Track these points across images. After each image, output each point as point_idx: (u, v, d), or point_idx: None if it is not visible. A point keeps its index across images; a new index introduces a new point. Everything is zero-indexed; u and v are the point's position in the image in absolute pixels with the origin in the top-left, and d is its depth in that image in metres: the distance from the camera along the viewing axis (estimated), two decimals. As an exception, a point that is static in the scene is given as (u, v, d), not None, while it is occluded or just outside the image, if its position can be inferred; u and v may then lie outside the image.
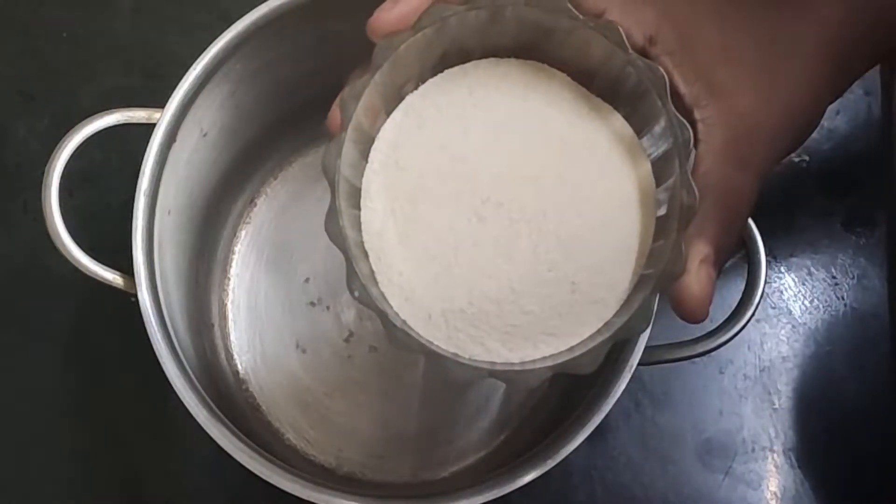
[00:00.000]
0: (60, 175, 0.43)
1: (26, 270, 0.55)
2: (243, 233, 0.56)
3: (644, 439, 0.54)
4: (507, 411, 0.53)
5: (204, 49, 0.45)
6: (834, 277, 0.57)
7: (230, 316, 0.54)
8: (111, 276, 0.43)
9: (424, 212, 0.32)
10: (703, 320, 0.33)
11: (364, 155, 0.33)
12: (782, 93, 0.34)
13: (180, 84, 0.44)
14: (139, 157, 0.44)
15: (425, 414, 0.53)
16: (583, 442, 0.41)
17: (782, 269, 0.57)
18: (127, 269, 0.43)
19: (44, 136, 0.57)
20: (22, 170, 0.57)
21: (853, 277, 0.57)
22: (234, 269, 0.55)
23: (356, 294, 0.30)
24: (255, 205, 0.56)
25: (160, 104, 0.44)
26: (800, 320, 0.56)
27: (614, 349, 0.43)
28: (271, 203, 0.56)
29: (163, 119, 0.44)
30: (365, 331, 0.54)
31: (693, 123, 0.33)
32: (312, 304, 0.54)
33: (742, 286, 0.46)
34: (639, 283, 0.32)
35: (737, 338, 0.45)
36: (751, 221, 0.46)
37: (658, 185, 0.33)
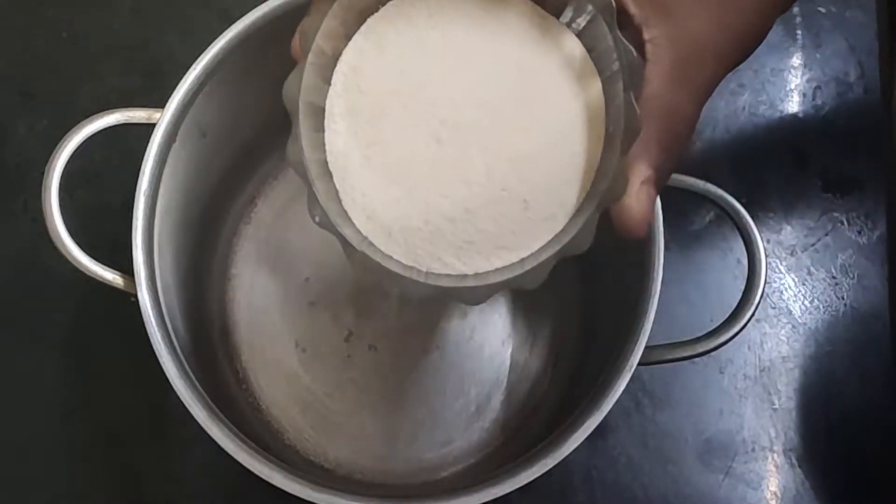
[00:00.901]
0: (60, 175, 0.43)
1: (26, 270, 0.55)
2: (243, 233, 0.56)
3: (644, 439, 0.54)
4: (507, 411, 0.53)
5: (204, 49, 0.45)
6: (834, 277, 0.57)
7: (230, 316, 0.54)
8: (111, 276, 0.43)
9: (385, 134, 0.33)
10: (642, 238, 0.34)
11: (327, 80, 0.34)
12: (732, 14, 0.34)
13: (180, 84, 0.44)
14: (139, 157, 0.44)
15: (425, 413, 0.53)
16: (583, 442, 0.41)
17: (782, 269, 0.57)
18: (127, 269, 0.43)
19: (44, 136, 0.57)
20: (22, 170, 0.57)
21: (853, 277, 0.57)
22: (234, 269, 0.55)
23: (316, 219, 0.32)
24: (255, 205, 0.56)
25: (160, 104, 0.44)
26: (800, 320, 0.56)
27: (614, 348, 0.43)
28: (271, 203, 0.56)
29: (163, 119, 0.44)
30: (365, 330, 0.54)
31: (641, 44, 0.33)
32: (312, 303, 0.54)
33: (742, 286, 0.46)
34: (587, 199, 0.33)
35: (737, 338, 0.45)
36: (751, 222, 0.46)
37: (606, 102, 0.33)
